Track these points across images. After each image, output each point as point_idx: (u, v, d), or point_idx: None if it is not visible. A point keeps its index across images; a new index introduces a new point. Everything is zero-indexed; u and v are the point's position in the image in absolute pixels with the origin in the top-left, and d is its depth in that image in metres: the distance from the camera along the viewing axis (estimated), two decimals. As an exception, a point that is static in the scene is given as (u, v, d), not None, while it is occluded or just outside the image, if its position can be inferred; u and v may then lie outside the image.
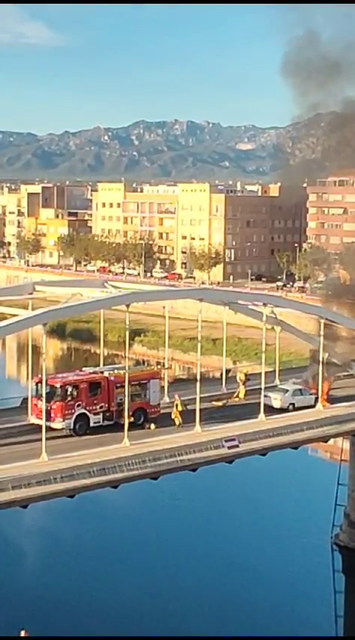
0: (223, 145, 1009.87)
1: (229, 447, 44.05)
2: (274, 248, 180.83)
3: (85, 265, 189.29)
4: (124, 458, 40.31)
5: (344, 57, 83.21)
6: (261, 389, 49.28)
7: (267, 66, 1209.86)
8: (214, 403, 51.35)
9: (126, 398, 43.46)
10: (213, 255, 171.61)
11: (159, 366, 55.05)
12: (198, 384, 46.76)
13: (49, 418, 42.37)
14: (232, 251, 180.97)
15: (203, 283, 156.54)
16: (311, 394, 52.98)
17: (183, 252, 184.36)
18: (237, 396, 52.92)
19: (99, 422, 45.29)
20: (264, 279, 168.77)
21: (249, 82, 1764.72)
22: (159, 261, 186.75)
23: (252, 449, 45.42)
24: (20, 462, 38.71)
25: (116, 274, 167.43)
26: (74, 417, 44.25)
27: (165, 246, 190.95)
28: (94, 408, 45.14)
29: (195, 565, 52.97)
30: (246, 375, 54.67)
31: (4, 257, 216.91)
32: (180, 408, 46.78)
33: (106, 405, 45.63)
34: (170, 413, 47.38)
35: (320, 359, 53.02)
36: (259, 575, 52.26)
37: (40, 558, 53.76)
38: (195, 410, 45.54)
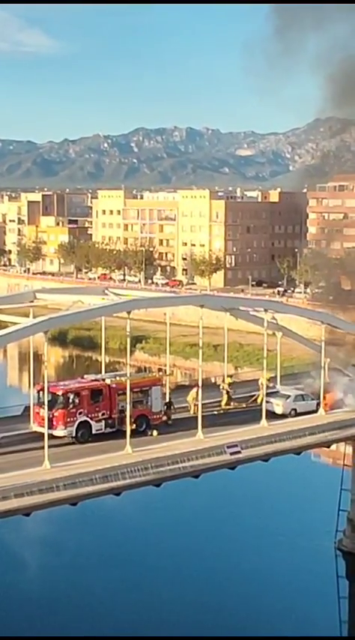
0: (222, 151, 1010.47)
1: (231, 453, 44.05)
2: (274, 254, 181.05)
3: (86, 273, 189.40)
4: (126, 465, 40.33)
5: None
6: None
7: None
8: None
9: (128, 405, 43.47)
10: (214, 262, 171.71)
11: (160, 373, 54.96)
12: (199, 390, 46.78)
13: (51, 426, 42.37)
14: (233, 257, 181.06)
15: (203, 290, 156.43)
16: (313, 399, 52.99)
17: (184, 259, 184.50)
18: (255, 400, 52.93)
19: (101, 429, 45.29)
20: (264, 284, 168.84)
21: (247, 88, 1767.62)
22: (159, 268, 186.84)
23: (255, 455, 45.43)
24: (23, 470, 38.70)
25: (117, 282, 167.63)
26: (76, 424, 44.25)
27: (166, 253, 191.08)
28: (96, 415, 45.15)
29: (199, 570, 52.90)
30: (268, 380, 55.07)
31: (4, 265, 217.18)
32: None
33: (108, 413, 45.63)
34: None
35: (322, 364, 53.05)
36: (262, 580, 52.19)
37: (43, 566, 53.68)
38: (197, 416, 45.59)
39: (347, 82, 76.42)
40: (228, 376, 56.57)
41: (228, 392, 53.33)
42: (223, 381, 54.92)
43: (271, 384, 55.09)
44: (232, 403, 53.07)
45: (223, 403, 53.00)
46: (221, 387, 54.16)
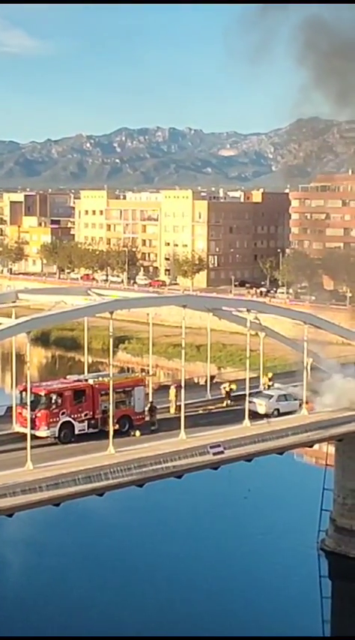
0: (205, 151, 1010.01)
1: (214, 454, 44.06)
2: (257, 254, 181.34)
3: (69, 273, 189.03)
4: (109, 465, 40.29)
5: None
6: (245, 395, 49.39)
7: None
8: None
9: (111, 405, 43.42)
10: (197, 262, 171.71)
11: (143, 373, 54.90)
12: (182, 390, 46.80)
13: (33, 426, 42.30)
14: (215, 257, 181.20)
15: (186, 290, 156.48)
16: (295, 399, 53.08)
17: (167, 259, 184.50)
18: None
19: (84, 430, 45.23)
20: (247, 285, 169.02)
21: (230, 89, 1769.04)
22: (142, 268, 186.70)
23: (238, 455, 45.45)
24: (5, 471, 38.59)
25: (100, 282, 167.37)
26: (59, 425, 44.17)
27: (149, 253, 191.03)
28: (79, 415, 45.08)
29: (181, 570, 52.94)
30: (270, 379, 55.14)
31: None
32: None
33: (91, 413, 45.57)
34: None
35: (305, 364, 53.15)
36: (245, 580, 52.26)
37: (25, 567, 53.55)
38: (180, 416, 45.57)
39: (324, 60, 75.73)
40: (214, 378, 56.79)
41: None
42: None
43: (271, 383, 55.35)
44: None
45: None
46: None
